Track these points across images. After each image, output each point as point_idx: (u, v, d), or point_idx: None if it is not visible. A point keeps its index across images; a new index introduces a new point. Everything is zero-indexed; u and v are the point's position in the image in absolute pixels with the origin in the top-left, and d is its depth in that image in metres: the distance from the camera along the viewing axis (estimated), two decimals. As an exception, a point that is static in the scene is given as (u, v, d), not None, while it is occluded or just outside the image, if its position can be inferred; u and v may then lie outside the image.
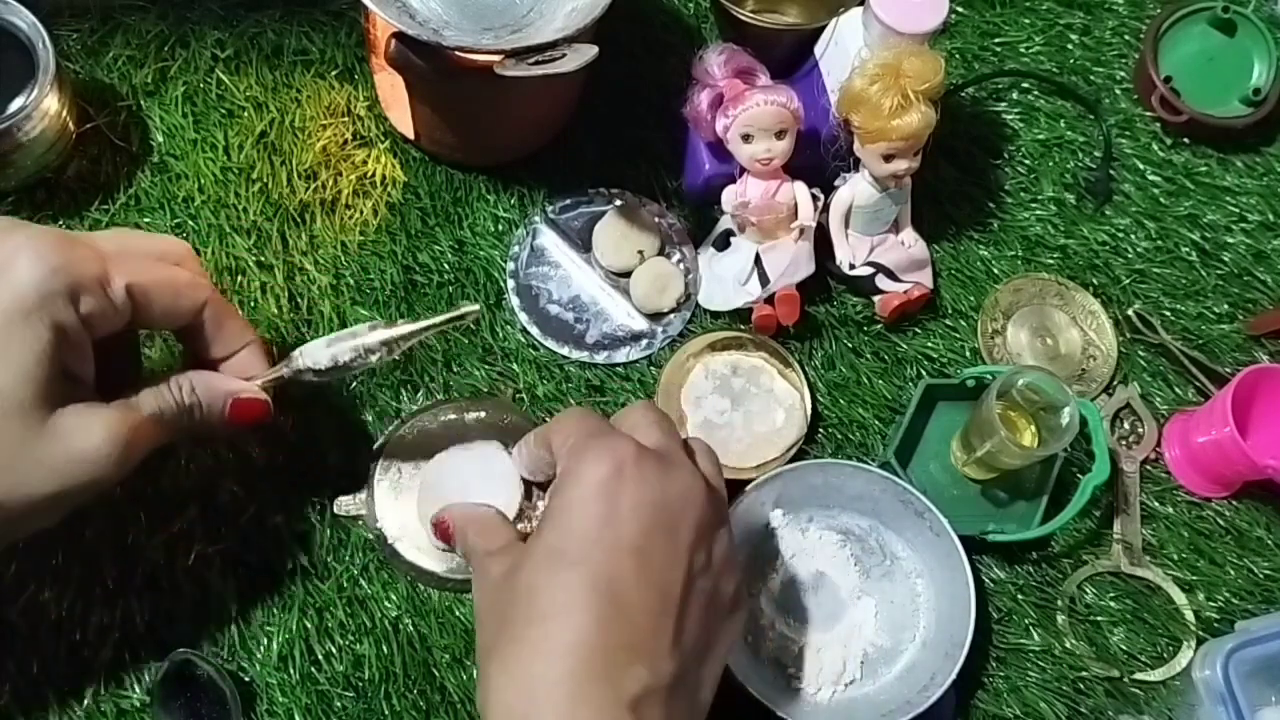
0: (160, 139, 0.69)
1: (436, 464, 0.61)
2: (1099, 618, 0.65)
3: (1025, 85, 0.79)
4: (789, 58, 0.70)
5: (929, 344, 0.70)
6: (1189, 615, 0.65)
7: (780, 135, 0.63)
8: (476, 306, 0.55)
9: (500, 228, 0.70)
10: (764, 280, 0.66)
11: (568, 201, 0.71)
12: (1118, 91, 0.80)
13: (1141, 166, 0.77)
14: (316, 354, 0.54)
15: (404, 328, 0.55)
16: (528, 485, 0.62)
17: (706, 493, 0.49)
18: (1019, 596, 0.65)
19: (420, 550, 0.60)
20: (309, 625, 0.59)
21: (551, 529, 0.47)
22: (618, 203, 0.70)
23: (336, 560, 0.60)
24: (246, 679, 0.58)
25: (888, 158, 0.63)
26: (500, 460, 0.62)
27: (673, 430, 0.52)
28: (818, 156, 0.68)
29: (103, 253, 0.48)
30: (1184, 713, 0.62)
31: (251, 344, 0.54)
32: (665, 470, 0.48)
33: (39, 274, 0.45)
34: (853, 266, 0.68)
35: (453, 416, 0.63)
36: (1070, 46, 0.81)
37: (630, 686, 0.43)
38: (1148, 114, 0.79)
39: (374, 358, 0.55)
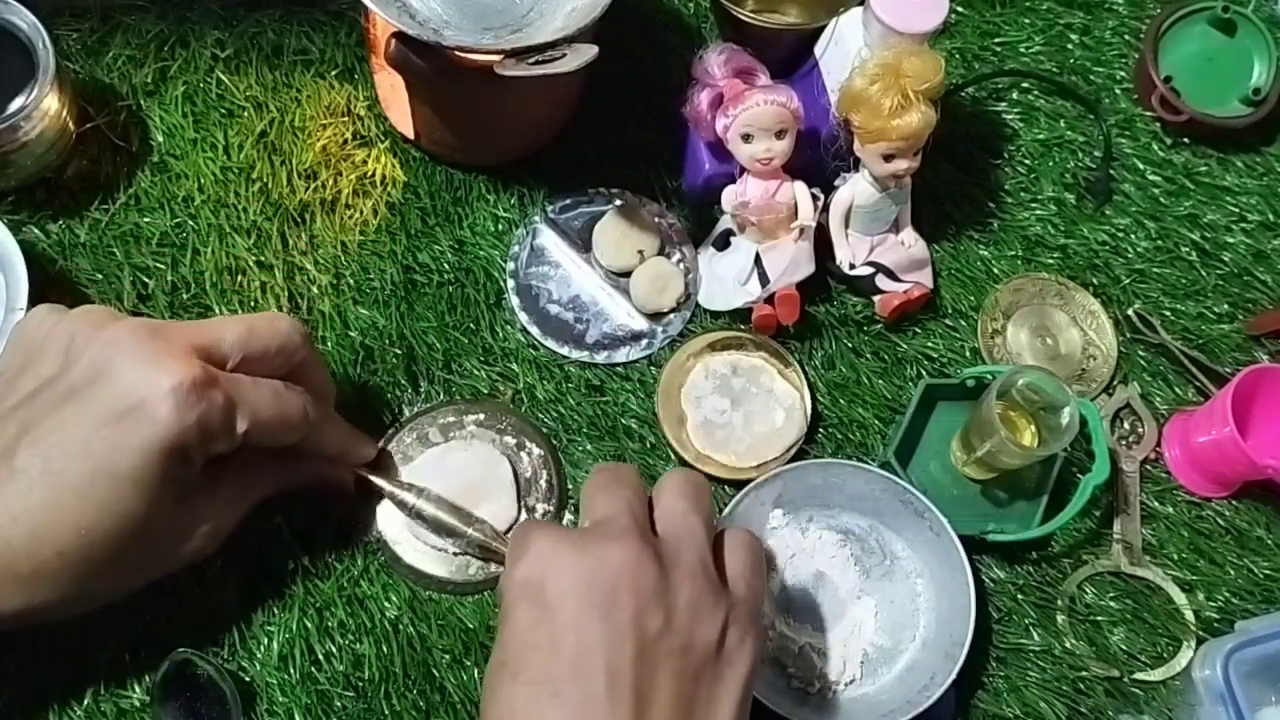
0: (160, 139, 0.69)
1: (432, 460, 0.61)
2: (1099, 618, 0.65)
3: (1025, 85, 0.79)
4: (789, 58, 0.70)
5: (929, 344, 0.70)
6: (1189, 615, 0.65)
7: (780, 135, 0.63)
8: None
9: (500, 228, 0.70)
10: (764, 280, 0.66)
11: (568, 201, 0.71)
12: (1118, 91, 0.80)
13: (1141, 166, 0.77)
14: (430, 506, 0.59)
15: (497, 545, 0.59)
16: (519, 479, 0.62)
17: (644, 553, 0.46)
18: (1019, 596, 0.65)
19: (420, 553, 0.60)
20: (309, 625, 0.59)
21: (497, 640, 0.47)
22: (618, 203, 0.70)
23: (336, 560, 0.60)
24: (246, 679, 0.58)
25: (888, 158, 0.63)
26: (497, 461, 0.62)
27: (621, 495, 0.49)
28: (818, 156, 0.68)
29: (229, 382, 0.49)
30: (1184, 713, 0.62)
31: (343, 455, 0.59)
32: (589, 546, 0.46)
33: (176, 430, 0.47)
34: (853, 266, 0.68)
35: (452, 419, 0.64)
36: (1070, 46, 0.81)
37: None
38: (1148, 114, 0.79)
39: (461, 542, 0.59)
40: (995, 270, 0.73)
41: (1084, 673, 0.63)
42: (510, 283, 0.68)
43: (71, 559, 0.47)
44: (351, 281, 0.67)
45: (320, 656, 0.58)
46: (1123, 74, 0.80)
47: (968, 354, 0.70)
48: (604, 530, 0.47)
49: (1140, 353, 0.72)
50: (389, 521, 0.61)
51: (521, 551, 0.47)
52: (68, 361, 0.48)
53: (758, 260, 0.66)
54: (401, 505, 0.59)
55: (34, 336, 0.50)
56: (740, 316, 0.68)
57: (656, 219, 0.70)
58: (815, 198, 0.66)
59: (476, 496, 0.61)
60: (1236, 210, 0.77)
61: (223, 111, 0.70)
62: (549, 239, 0.70)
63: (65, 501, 0.47)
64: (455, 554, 0.60)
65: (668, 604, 0.45)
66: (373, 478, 0.59)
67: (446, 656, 0.59)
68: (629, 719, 0.43)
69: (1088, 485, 0.63)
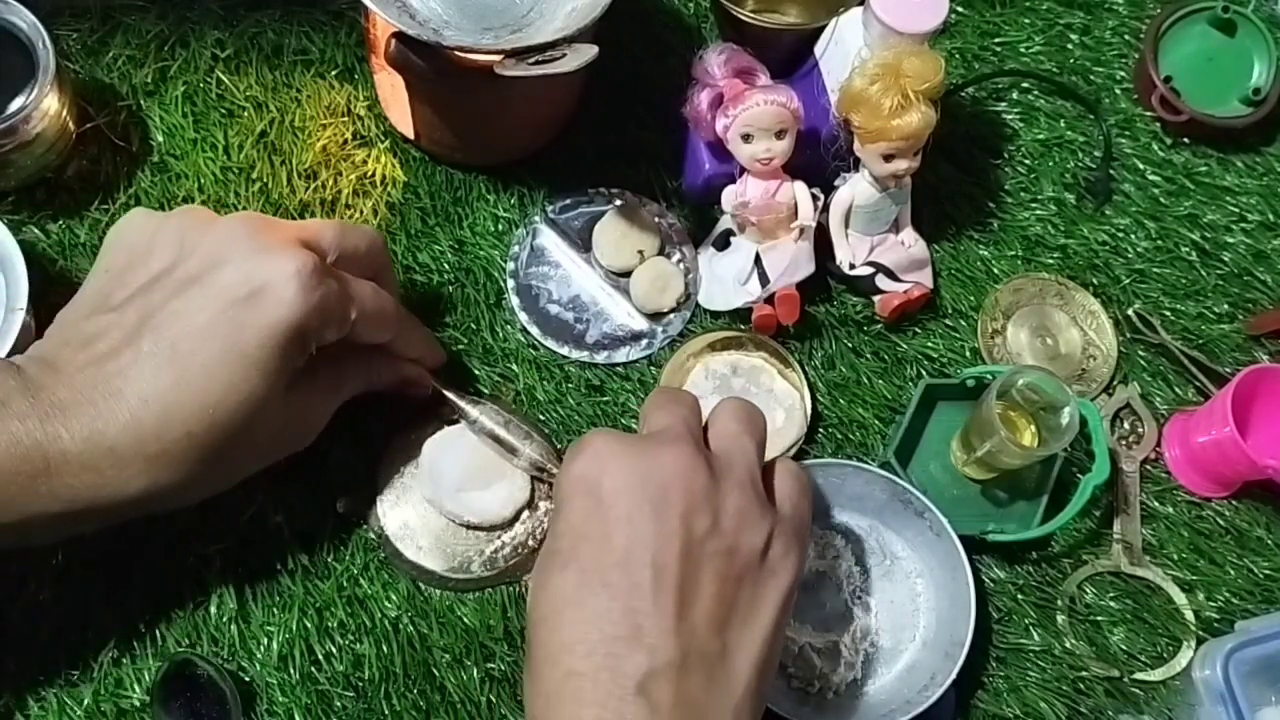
0: (160, 139, 0.69)
1: (442, 441, 0.61)
2: (1099, 618, 0.65)
3: (1025, 85, 0.79)
4: (789, 58, 0.70)
5: (929, 344, 0.70)
6: (1189, 615, 0.65)
7: (780, 135, 0.63)
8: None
9: (500, 228, 0.70)
10: (764, 280, 0.66)
11: (568, 201, 0.71)
12: (1118, 91, 0.80)
13: (1141, 166, 0.77)
14: (490, 419, 0.61)
15: (550, 465, 0.61)
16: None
17: (696, 459, 0.48)
18: (1019, 596, 0.65)
19: (421, 549, 0.60)
20: (309, 625, 0.59)
21: (550, 531, 0.49)
22: (618, 203, 0.70)
23: (336, 560, 0.60)
24: (246, 679, 0.58)
25: (888, 158, 0.63)
26: None
27: (677, 412, 0.51)
28: (818, 156, 0.68)
29: (339, 274, 0.52)
30: (1184, 713, 0.63)
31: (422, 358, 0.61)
32: (646, 449, 0.48)
33: (301, 311, 0.49)
34: (853, 266, 0.68)
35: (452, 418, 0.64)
36: (1070, 46, 0.81)
37: (632, 672, 0.44)
38: (1148, 114, 0.79)
39: (517, 460, 0.61)
40: (995, 270, 0.73)
41: (1084, 673, 0.63)
42: (510, 283, 0.68)
43: (198, 438, 0.49)
44: (351, 281, 0.67)
45: (320, 656, 0.58)
46: (1123, 74, 0.80)
47: (968, 354, 0.70)
48: (660, 437, 0.49)
49: (1140, 353, 0.72)
50: (389, 520, 0.61)
51: (579, 450, 0.49)
52: (183, 253, 0.50)
53: (758, 260, 0.66)
54: (465, 416, 0.61)
55: (139, 235, 0.52)
56: (740, 316, 0.68)
57: (656, 219, 0.70)
58: (815, 198, 0.66)
59: (490, 475, 0.61)
60: (1236, 210, 0.77)
61: (223, 111, 0.70)
62: (549, 239, 0.70)
63: (194, 381, 0.48)
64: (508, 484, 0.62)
65: (716, 508, 0.47)
66: (444, 390, 0.61)
67: (446, 656, 0.59)
68: (672, 611, 0.45)
69: (1088, 485, 0.63)
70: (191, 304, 0.49)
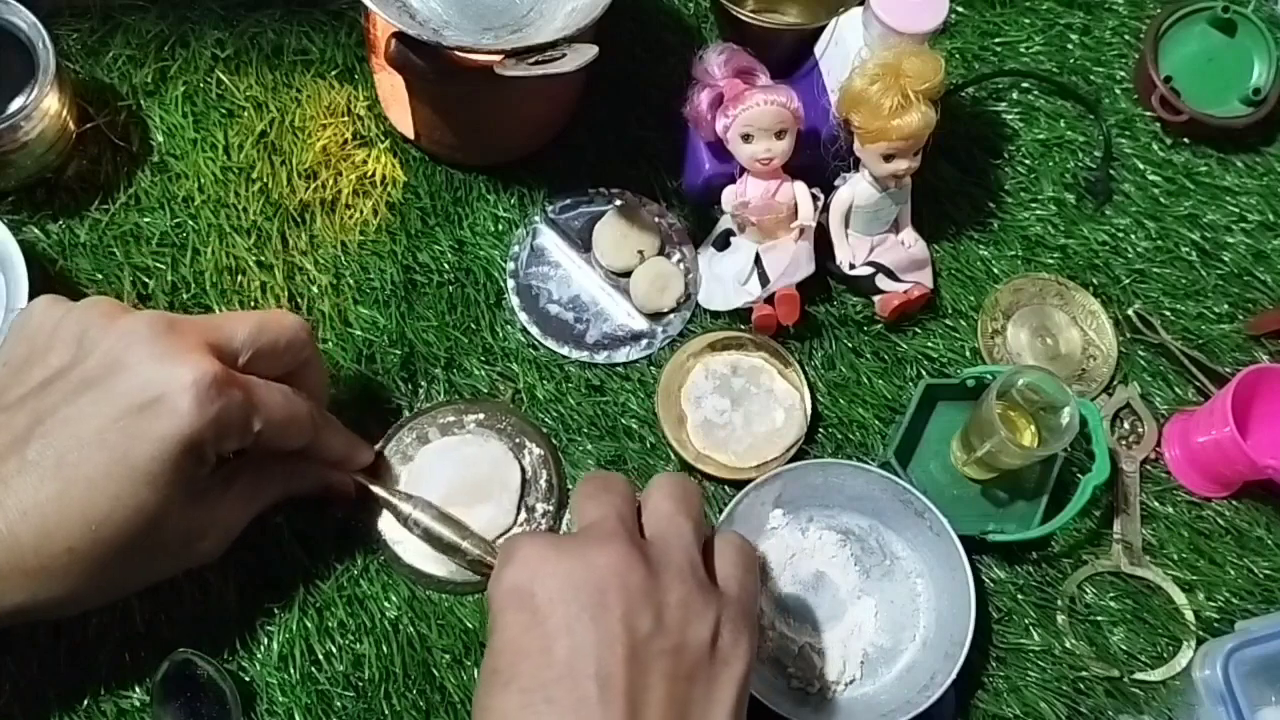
0: (160, 139, 0.69)
1: (447, 447, 0.61)
2: (1099, 618, 0.65)
3: (1025, 85, 0.79)
4: (789, 58, 0.70)
5: (929, 344, 0.70)
6: (1189, 615, 0.65)
7: (780, 135, 0.63)
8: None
9: (500, 228, 0.70)
10: (764, 280, 0.66)
11: (568, 201, 0.71)
12: (1118, 91, 0.80)
13: (1141, 166, 0.77)
14: (428, 521, 0.59)
15: (490, 560, 0.59)
16: (524, 483, 0.62)
17: (631, 555, 0.45)
18: (1019, 596, 0.65)
19: (420, 552, 0.60)
20: (309, 625, 0.59)
21: (487, 648, 0.46)
22: (618, 203, 0.70)
23: (336, 560, 0.60)
24: (246, 679, 0.58)
25: (888, 158, 0.63)
26: (509, 465, 0.62)
27: (609, 502, 0.49)
28: (818, 156, 0.68)
29: (244, 381, 0.50)
30: (1184, 713, 0.62)
31: (345, 461, 0.59)
32: (576, 550, 0.46)
33: (196, 425, 0.47)
34: (853, 266, 0.68)
35: (452, 418, 0.64)
36: (1070, 46, 0.81)
37: None
38: (1148, 114, 0.79)
39: (458, 558, 0.59)
40: (995, 270, 0.73)
41: (1084, 673, 0.63)
42: (510, 283, 0.68)
43: (80, 554, 0.47)
44: (351, 281, 0.67)
45: (320, 656, 0.58)
46: (1123, 74, 0.80)
47: (968, 354, 0.70)
48: (590, 534, 0.47)
49: (1140, 353, 0.72)
50: (389, 521, 0.61)
51: (508, 559, 0.46)
52: (81, 353, 0.48)
53: (758, 260, 0.66)
54: (396, 513, 0.60)
55: (40, 327, 0.50)
56: (740, 316, 0.68)
57: (656, 219, 0.70)
58: (815, 198, 0.66)
59: (479, 494, 0.61)
60: (1236, 210, 0.77)
61: (223, 111, 0.70)
62: (549, 239, 0.70)
63: (78, 495, 0.46)
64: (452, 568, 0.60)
65: (657, 604, 0.45)
66: (371, 485, 0.60)
67: (446, 656, 0.59)
68: (622, 717, 0.42)
69: (1088, 485, 0.63)
70: (82, 411, 0.46)
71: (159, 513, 0.48)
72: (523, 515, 0.62)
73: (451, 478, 0.61)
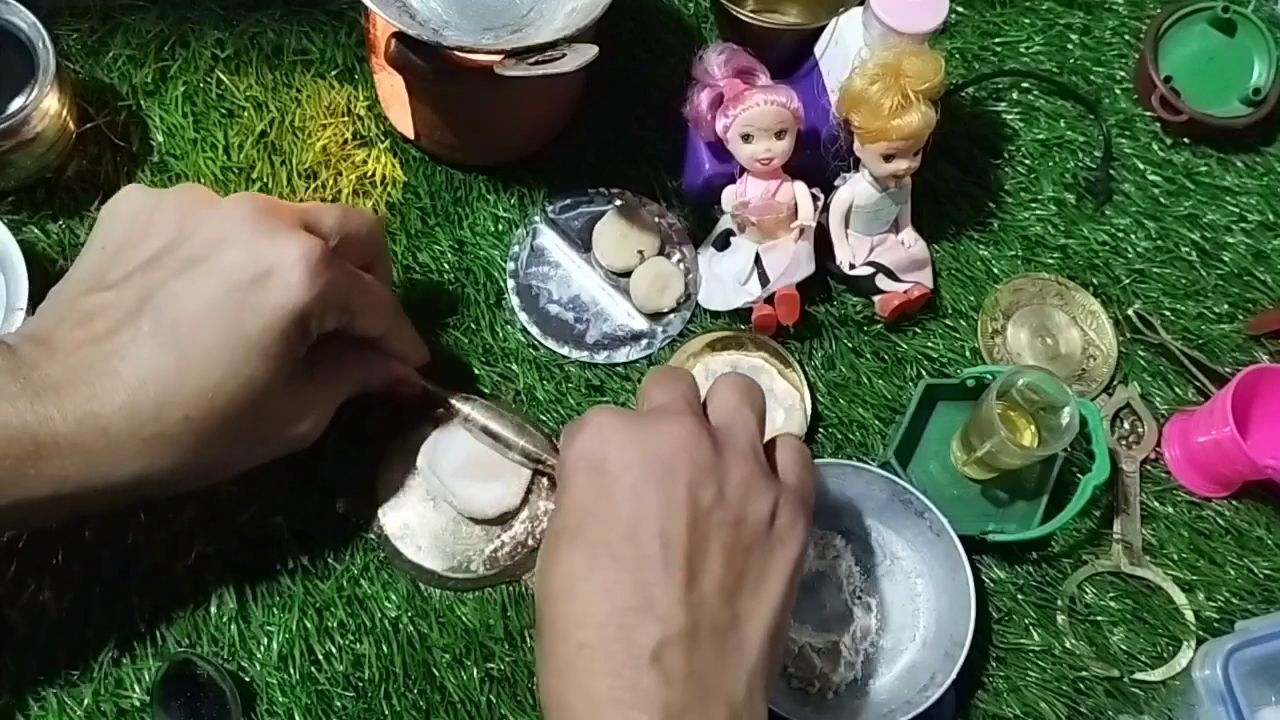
0: (160, 139, 0.69)
1: (444, 434, 0.61)
2: (1099, 618, 0.65)
3: (1025, 85, 0.79)
4: (789, 58, 0.70)
5: (929, 344, 0.70)
6: (1189, 615, 0.65)
7: (780, 135, 0.63)
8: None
9: (500, 228, 0.70)
10: (764, 280, 0.66)
11: (568, 201, 0.71)
12: (1118, 91, 0.80)
13: (1141, 166, 0.77)
14: (482, 417, 0.61)
15: (547, 455, 0.61)
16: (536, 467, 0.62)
17: (699, 432, 0.48)
18: (1019, 596, 0.65)
19: (421, 549, 0.60)
20: (309, 625, 0.59)
21: (555, 509, 0.49)
22: (618, 203, 0.70)
23: (336, 560, 0.60)
24: (246, 679, 0.58)
25: (888, 158, 0.63)
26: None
27: (677, 388, 0.51)
28: (818, 156, 0.68)
29: (340, 262, 0.51)
30: (1184, 713, 0.63)
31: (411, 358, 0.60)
32: (648, 424, 0.48)
33: (307, 297, 0.48)
34: (853, 266, 0.68)
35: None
36: (1070, 46, 0.81)
37: (644, 642, 0.43)
38: (1148, 114, 0.79)
39: (512, 453, 0.61)
40: (995, 270, 0.73)
41: (1084, 673, 0.63)
42: (510, 283, 0.68)
43: (195, 423, 0.48)
44: (351, 281, 0.67)
45: (320, 656, 0.58)
46: (1123, 74, 0.80)
47: (968, 354, 0.70)
48: (661, 412, 0.49)
49: (1140, 353, 0.72)
50: (390, 518, 0.61)
51: (581, 427, 0.48)
52: (183, 233, 0.49)
53: (758, 260, 0.66)
54: (456, 412, 0.61)
55: (136, 212, 0.50)
56: (740, 316, 0.68)
57: (656, 219, 0.70)
58: (815, 198, 0.66)
59: (492, 472, 0.61)
60: (1236, 210, 0.77)
61: (223, 111, 0.70)
62: (549, 239, 0.70)
63: (194, 364, 0.47)
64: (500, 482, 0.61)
65: (721, 479, 0.47)
66: (434, 387, 0.61)
67: (446, 656, 0.59)
68: (681, 581, 0.45)
69: (1088, 485, 0.63)
70: (194, 285, 0.48)
71: (267, 385, 0.49)
72: (525, 512, 0.62)
73: (471, 450, 0.61)
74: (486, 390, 0.65)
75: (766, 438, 0.52)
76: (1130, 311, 0.72)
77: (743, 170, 0.65)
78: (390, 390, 0.60)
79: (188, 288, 0.48)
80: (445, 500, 0.61)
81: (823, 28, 0.67)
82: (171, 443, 0.48)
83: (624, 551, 0.45)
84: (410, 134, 0.68)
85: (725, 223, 0.69)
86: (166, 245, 0.49)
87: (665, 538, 0.45)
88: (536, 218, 0.70)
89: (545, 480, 0.63)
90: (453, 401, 0.61)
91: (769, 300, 0.66)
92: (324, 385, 0.55)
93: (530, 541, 0.61)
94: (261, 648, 0.58)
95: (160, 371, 0.47)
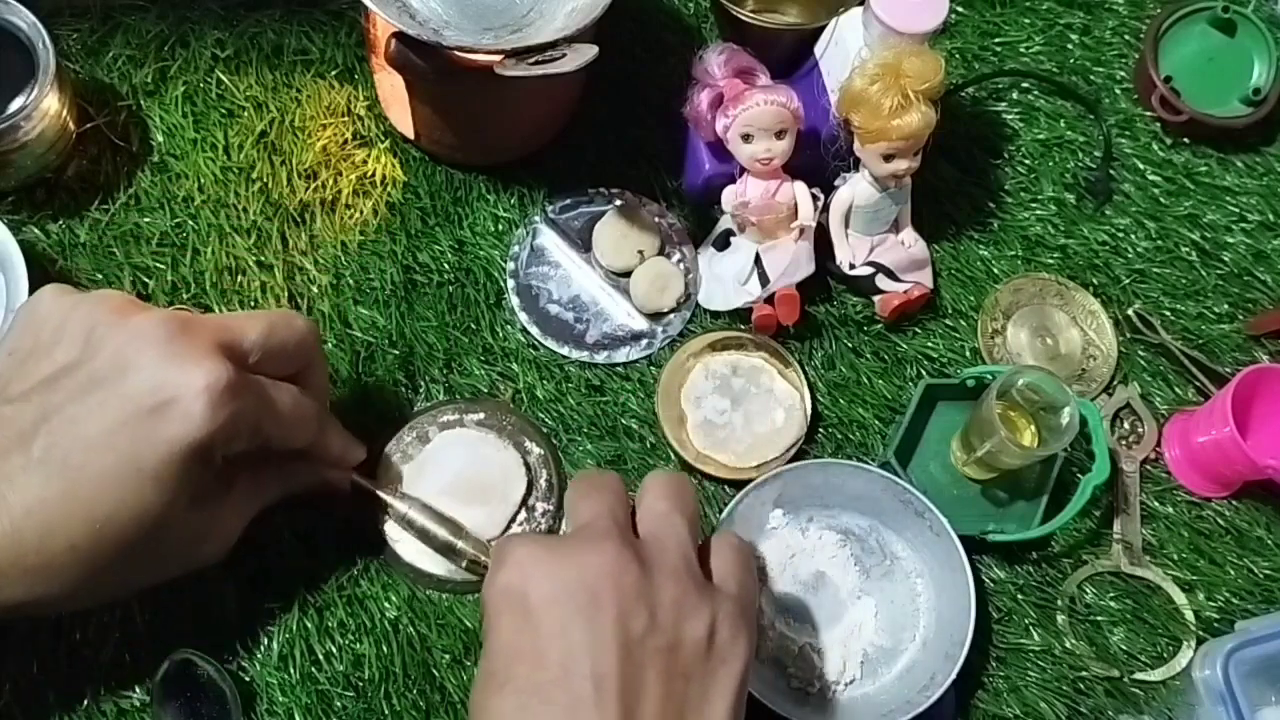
0: (160, 139, 0.69)
1: (463, 440, 0.61)
2: (1099, 618, 0.65)
3: (1025, 85, 0.79)
4: (789, 58, 0.70)
5: (929, 344, 0.70)
6: (1189, 615, 0.65)
7: (780, 135, 0.63)
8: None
9: (500, 228, 0.70)
10: (764, 280, 0.66)
11: (568, 201, 0.71)
12: (1118, 91, 0.80)
13: (1141, 166, 0.77)
14: (423, 520, 0.59)
15: (485, 559, 0.59)
16: (528, 490, 0.62)
17: (623, 554, 0.46)
18: (1019, 596, 0.65)
19: (420, 552, 0.60)
20: (309, 625, 0.59)
21: (483, 651, 0.46)
22: (618, 203, 0.70)
23: (336, 560, 0.60)
24: (246, 679, 0.58)
25: (888, 158, 0.63)
26: (517, 478, 0.62)
27: (603, 500, 0.49)
28: (818, 156, 0.68)
29: (255, 384, 0.50)
30: (1184, 713, 0.62)
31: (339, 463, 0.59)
32: (569, 552, 0.46)
33: (208, 429, 0.47)
34: (853, 266, 0.68)
35: (453, 417, 0.64)
36: (1070, 46, 0.81)
37: None
38: (1148, 114, 0.79)
39: (454, 557, 0.60)
40: (995, 270, 0.73)
41: (1084, 673, 0.63)
42: (510, 283, 0.68)
43: (83, 553, 0.46)
44: (351, 281, 0.67)
45: (320, 656, 0.58)
46: (1123, 74, 0.80)
47: (968, 354, 0.70)
48: (583, 535, 0.47)
49: (1140, 353, 0.72)
50: (389, 521, 0.61)
51: (501, 561, 0.46)
52: (89, 349, 0.47)
53: (758, 260, 0.66)
54: (392, 512, 0.60)
55: (47, 318, 0.49)
56: (740, 316, 0.68)
57: (656, 219, 0.70)
58: (815, 198, 0.66)
59: (478, 495, 0.61)
60: (1236, 210, 0.77)
61: (223, 111, 0.70)
62: (549, 239, 0.70)
63: (82, 494, 0.46)
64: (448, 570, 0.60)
65: (651, 603, 0.45)
66: (367, 484, 0.60)
67: (446, 656, 0.59)
68: (617, 718, 0.43)
69: (1088, 485, 0.63)
70: (90, 411, 0.46)
71: (163, 514, 0.47)
72: (523, 514, 0.62)
73: (460, 470, 0.61)
74: (485, 390, 0.65)
75: (705, 539, 0.50)
76: (1130, 311, 0.72)
77: (743, 170, 0.65)
78: (318, 491, 0.59)
79: (85, 414, 0.46)
80: (440, 540, 0.59)
81: (823, 28, 0.67)
82: (56, 572, 0.47)
83: (555, 696, 0.43)
84: (410, 134, 0.68)
85: (725, 223, 0.69)
86: (71, 362, 0.47)
87: (597, 677, 0.43)
88: (536, 218, 0.70)
89: (544, 479, 0.63)
90: (388, 500, 0.60)
91: (769, 300, 0.66)
92: (239, 500, 0.54)
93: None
94: (261, 648, 0.58)
95: (45, 500, 0.45)
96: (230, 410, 0.47)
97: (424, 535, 0.59)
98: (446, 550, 0.59)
